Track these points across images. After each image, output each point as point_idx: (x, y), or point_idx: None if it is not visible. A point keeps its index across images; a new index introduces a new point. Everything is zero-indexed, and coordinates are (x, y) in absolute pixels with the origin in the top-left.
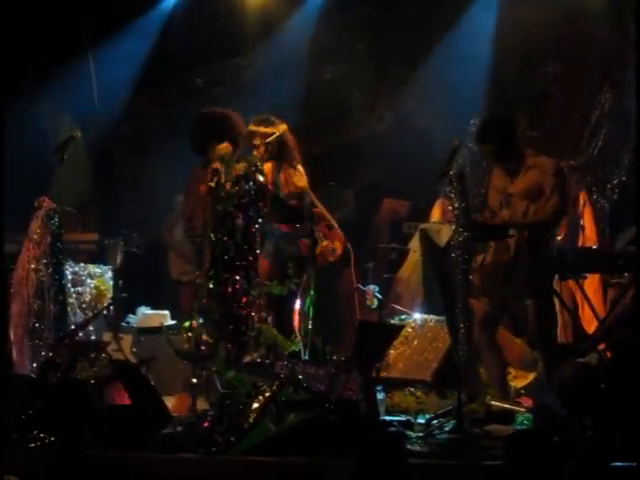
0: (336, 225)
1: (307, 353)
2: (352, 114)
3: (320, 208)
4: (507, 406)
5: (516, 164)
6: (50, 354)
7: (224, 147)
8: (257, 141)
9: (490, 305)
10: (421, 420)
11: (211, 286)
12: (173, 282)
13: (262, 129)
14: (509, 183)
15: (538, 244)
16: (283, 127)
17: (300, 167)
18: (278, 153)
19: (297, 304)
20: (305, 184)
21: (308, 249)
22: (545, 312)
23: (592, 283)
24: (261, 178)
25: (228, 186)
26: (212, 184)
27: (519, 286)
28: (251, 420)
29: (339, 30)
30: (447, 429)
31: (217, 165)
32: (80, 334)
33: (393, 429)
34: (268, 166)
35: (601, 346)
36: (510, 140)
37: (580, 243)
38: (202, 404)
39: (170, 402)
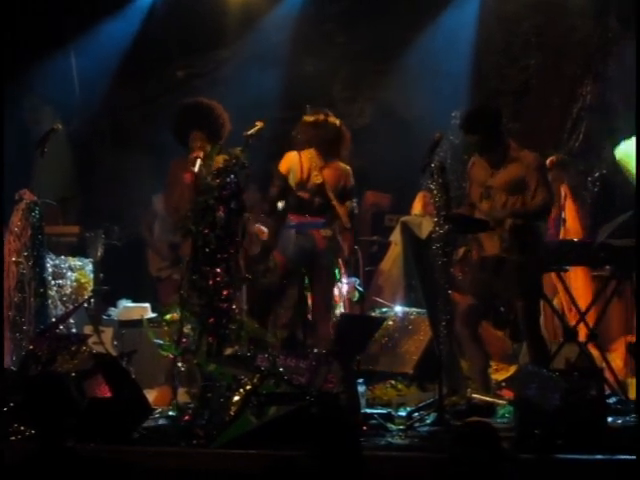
0: (349, 227)
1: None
2: (333, 107)
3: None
4: (488, 399)
5: (499, 156)
6: (31, 347)
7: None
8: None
9: (475, 299)
10: (402, 413)
11: (192, 279)
12: (152, 278)
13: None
14: (489, 175)
15: (522, 239)
16: (326, 119)
17: (342, 164)
18: (318, 144)
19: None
20: (326, 182)
21: (322, 239)
22: (533, 306)
23: (579, 276)
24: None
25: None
26: (195, 169)
27: (507, 281)
28: (232, 413)
29: (320, 23)
30: (428, 422)
31: (197, 153)
32: (61, 327)
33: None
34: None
35: (582, 338)
36: (495, 131)
37: (562, 236)
38: (183, 397)
39: (151, 395)
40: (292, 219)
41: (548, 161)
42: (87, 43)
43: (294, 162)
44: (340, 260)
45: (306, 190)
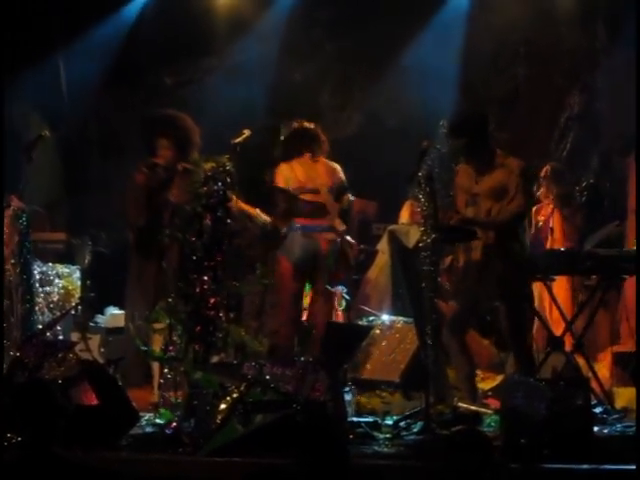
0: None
1: None
2: (321, 115)
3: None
4: (474, 408)
5: (485, 162)
6: (17, 354)
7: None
8: None
9: (460, 307)
10: (389, 421)
11: (179, 286)
12: None
13: None
14: (474, 183)
15: (506, 245)
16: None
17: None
18: (307, 147)
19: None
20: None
21: (326, 242)
22: (517, 314)
23: (561, 285)
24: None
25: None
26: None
27: (489, 287)
28: (218, 421)
29: (308, 30)
30: (414, 430)
31: (157, 159)
32: (48, 334)
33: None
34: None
35: (568, 347)
36: (481, 135)
37: (549, 245)
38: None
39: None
40: (298, 222)
41: (543, 170)
42: (76, 49)
43: (287, 171)
44: (345, 261)
45: (309, 192)
